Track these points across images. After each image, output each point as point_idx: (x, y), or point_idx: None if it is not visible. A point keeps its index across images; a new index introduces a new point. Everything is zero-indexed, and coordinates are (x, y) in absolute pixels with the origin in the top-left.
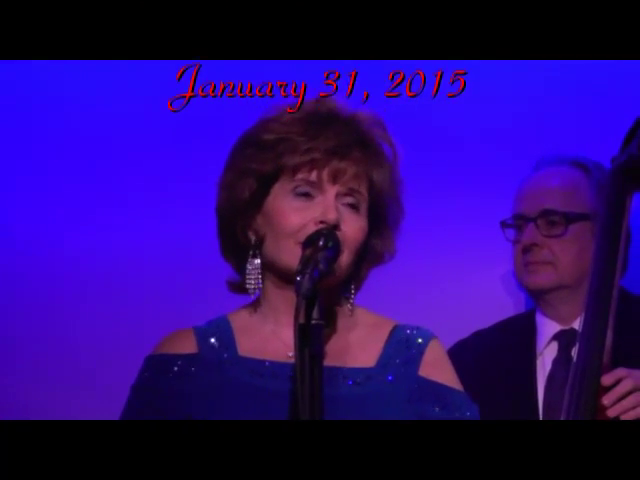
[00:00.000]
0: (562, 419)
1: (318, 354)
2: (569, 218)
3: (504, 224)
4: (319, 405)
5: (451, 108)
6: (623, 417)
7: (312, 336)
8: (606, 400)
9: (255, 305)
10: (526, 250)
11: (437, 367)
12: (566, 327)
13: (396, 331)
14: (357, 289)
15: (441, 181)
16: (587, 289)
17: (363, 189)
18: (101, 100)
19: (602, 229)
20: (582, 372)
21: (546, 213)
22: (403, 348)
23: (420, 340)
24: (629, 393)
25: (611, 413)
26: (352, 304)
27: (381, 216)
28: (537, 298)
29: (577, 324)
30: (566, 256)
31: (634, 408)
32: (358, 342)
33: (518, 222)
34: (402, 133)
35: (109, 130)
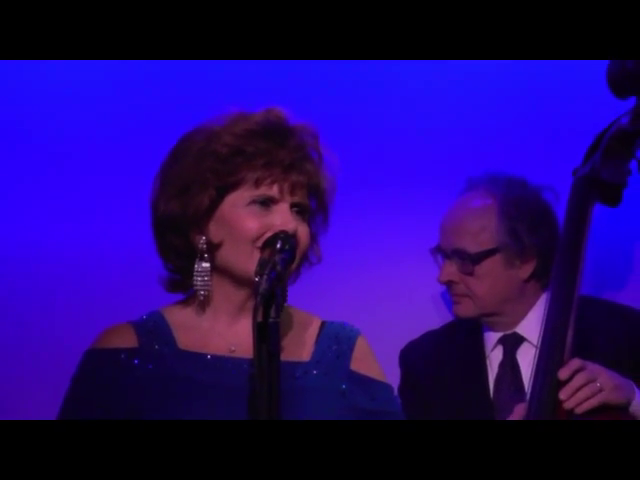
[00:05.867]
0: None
1: (276, 351)
2: (475, 258)
3: (433, 251)
4: (277, 402)
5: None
6: (577, 409)
7: (270, 333)
8: (563, 395)
9: (189, 302)
10: (445, 284)
11: (365, 362)
12: (508, 332)
13: (325, 327)
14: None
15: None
16: (550, 295)
17: (308, 199)
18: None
19: (566, 239)
20: (544, 370)
21: (456, 252)
22: (334, 344)
23: (349, 336)
24: (583, 385)
25: (567, 405)
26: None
27: (315, 223)
28: None
29: (519, 328)
30: (480, 290)
31: (587, 399)
32: (292, 338)
33: (440, 253)
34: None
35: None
